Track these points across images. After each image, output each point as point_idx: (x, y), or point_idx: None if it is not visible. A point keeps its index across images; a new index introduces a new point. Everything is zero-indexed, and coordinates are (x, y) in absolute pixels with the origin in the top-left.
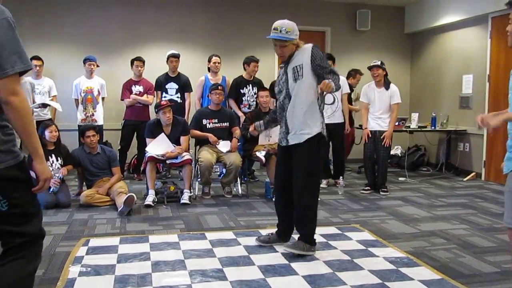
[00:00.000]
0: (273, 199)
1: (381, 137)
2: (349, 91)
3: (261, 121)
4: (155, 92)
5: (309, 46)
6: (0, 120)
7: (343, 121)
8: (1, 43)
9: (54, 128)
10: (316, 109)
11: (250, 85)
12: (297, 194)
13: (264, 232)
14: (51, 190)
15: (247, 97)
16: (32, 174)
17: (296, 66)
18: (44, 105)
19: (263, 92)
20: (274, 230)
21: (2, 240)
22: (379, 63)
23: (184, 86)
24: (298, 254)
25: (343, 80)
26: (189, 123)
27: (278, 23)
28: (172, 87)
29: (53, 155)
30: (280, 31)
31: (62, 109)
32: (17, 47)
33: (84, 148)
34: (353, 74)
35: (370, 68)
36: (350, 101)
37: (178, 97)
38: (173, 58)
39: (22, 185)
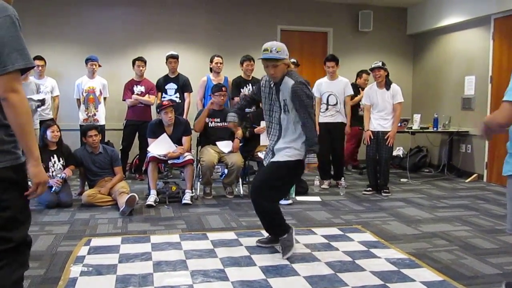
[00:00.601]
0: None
1: (384, 138)
2: (352, 93)
3: (232, 113)
4: (157, 93)
5: (290, 83)
6: (4, 119)
7: (344, 121)
8: (3, 41)
9: (56, 128)
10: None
11: (250, 84)
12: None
13: (265, 232)
14: (53, 189)
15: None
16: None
17: (285, 99)
18: (42, 102)
19: None
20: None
21: None
22: (380, 64)
23: (183, 86)
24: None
25: (346, 82)
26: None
27: (267, 45)
28: (171, 87)
29: (55, 155)
30: (271, 51)
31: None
32: (19, 45)
33: (86, 148)
34: (360, 74)
35: (371, 69)
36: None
37: (177, 97)
38: (172, 59)
39: (16, 189)
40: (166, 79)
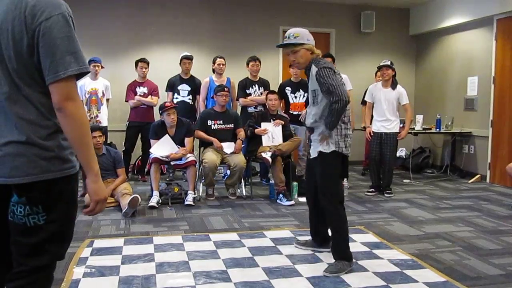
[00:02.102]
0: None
1: (388, 139)
2: (351, 88)
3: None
4: (166, 93)
5: (314, 70)
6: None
7: None
8: (55, 42)
9: None
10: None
11: (256, 85)
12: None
13: (268, 233)
14: None
15: (254, 97)
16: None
17: (314, 90)
18: None
19: (272, 95)
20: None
21: (18, 258)
22: (389, 63)
23: (197, 88)
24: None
25: (345, 78)
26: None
27: (287, 32)
28: (184, 88)
29: None
30: (289, 37)
31: None
32: (73, 47)
33: None
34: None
35: (379, 68)
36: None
37: (189, 99)
38: (186, 60)
39: (67, 202)
40: (179, 80)
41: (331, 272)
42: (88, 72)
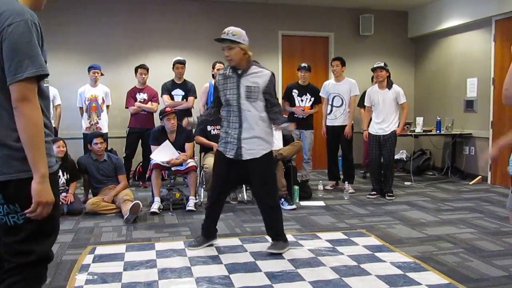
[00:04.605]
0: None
1: (386, 141)
2: (358, 93)
3: (198, 117)
4: (162, 96)
5: (268, 72)
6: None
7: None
8: (15, 46)
9: (61, 144)
10: (270, 126)
11: None
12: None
13: (270, 238)
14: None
15: None
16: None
17: (251, 86)
18: None
19: None
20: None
21: (5, 257)
22: (382, 64)
23: (188, 91)
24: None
25: (353, 83)
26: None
27: (226, 29)
28: (178, 93)
29: (59, 170)
30: (227, 33)
31: None
32: (32, 51)
33: (90, 155)
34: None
35: (373, 69)
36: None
37: None
38: (179, 64)
39: None
40: (172, 85)
41: (281, 249)
42: (47, 75)
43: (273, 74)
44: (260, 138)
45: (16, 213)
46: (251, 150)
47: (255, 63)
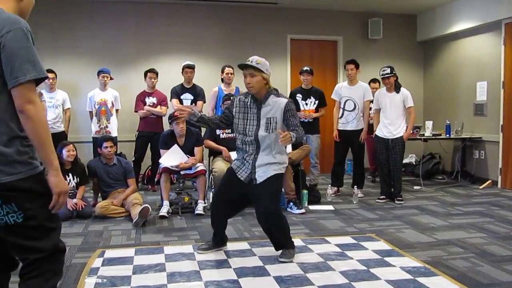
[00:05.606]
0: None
1: (394, 145)
2: (371, 98)
3: (201, 114)
4: (171, 100)
5: (283, 101)
6: (20, 131)
7: (362, 127)
8: (14, 53)
9: (71, 148)
10: (283, 149)
11: None
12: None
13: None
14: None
15: None
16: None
17: (270, 118)
18: None
19: None
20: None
21: (17, 256)
22: (388, 70)
23: (197, 96)
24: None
25: (366, 87)
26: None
27: (251, 57)
28: (187, 97)
29: (70, 174)
30: (251, 61)
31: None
32: (31, 56)
33: (100, 159)
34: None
35: (381, 78)
36: None
37: None
38: (188, 69)
39: (40, 198)
40: (182, 89)
41: (289, 258)
42: (46, 78)
43: (289, 101)
44: (275, 163)
45: (15, 213)
46: (264, 173)
47: (275, 91)
